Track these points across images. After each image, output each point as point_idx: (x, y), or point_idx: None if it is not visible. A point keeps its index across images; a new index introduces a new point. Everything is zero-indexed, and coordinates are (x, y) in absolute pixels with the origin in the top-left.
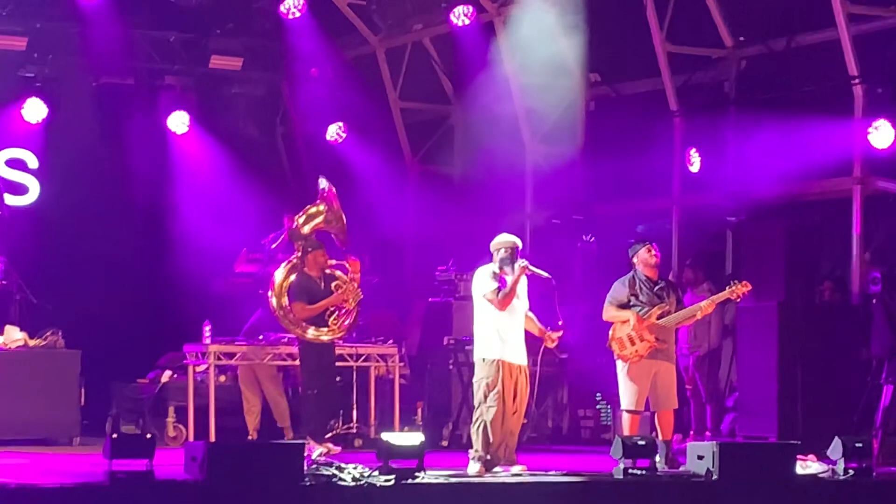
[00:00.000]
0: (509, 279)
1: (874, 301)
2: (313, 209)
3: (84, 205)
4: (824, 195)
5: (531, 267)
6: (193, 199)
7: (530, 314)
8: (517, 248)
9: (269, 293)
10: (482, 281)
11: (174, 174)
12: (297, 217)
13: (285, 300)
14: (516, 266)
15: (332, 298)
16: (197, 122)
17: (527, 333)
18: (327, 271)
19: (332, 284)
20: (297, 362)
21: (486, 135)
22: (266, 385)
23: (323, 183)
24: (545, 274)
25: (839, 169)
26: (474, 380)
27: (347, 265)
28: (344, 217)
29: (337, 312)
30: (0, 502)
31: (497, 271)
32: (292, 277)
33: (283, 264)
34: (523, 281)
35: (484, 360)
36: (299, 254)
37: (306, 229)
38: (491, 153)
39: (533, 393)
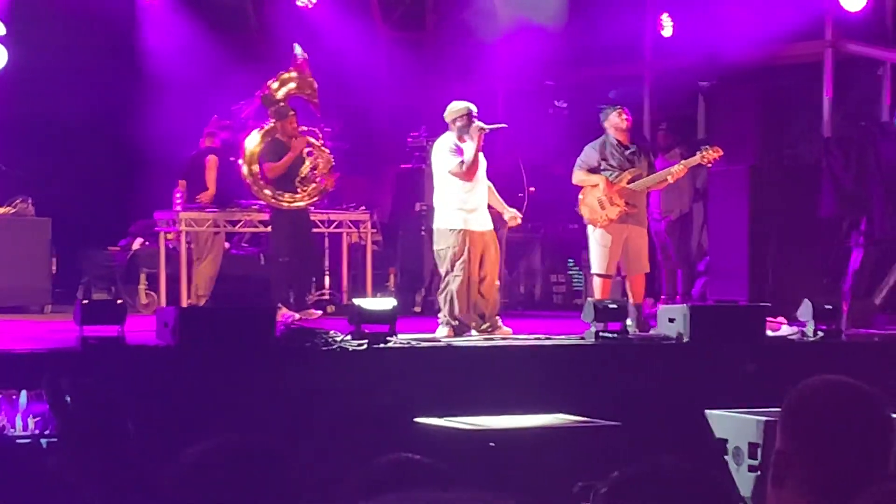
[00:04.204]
0: (470, 146)
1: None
2: (286, 75)
3: (53, 71)
4: (796, 59)
5: (486, 126)
6: (164, 65)
7: (489, 185)
8: (471, 113)
9: (240, 160)
10: (443, 156)
11: (145, 40)
12: (270, 83)
13: (256, 167)
14: (472, 130)
15: (293, 153)
16: None
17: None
18: (298, 137)
19: (305, 151)
20: (269, 229)
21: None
22: (216, 254)
23: (297, 50)
24: (501, 125)
25: (811, 32)
26: (437, 248)
27: (318, 132)
28: (315, 84)
29: (309, 178)
30: None
31: (456, 143)
32: (261, 146)
33: (255, 131)
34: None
35: (451, 230)
36: (272, 121)
37: (279, 95)
38: (463, 18)
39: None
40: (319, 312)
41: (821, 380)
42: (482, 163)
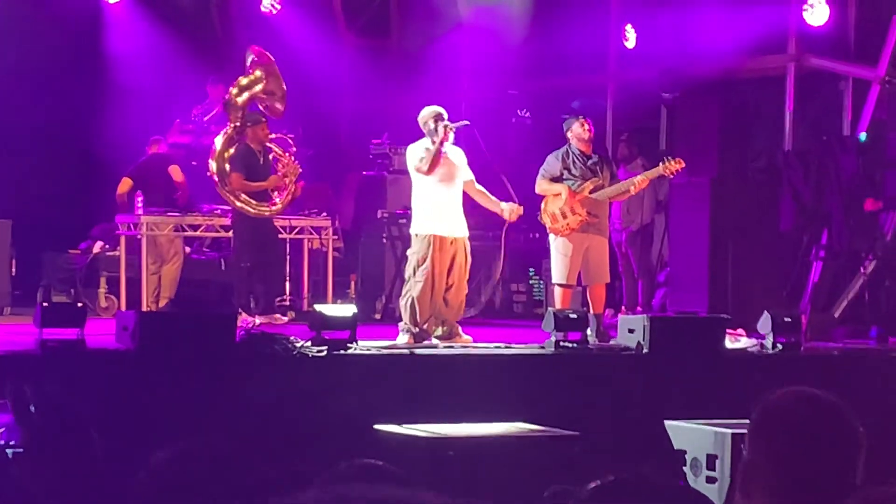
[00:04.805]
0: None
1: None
2: (248, 79)
3: (13, 72)
4: (759, 72)
5: (451, 124)
6: (127, 69)
7: (480, 188)
8: (440, 115)
9: (210, 160)
10: (411, 154)
11: (108, 44)
12: (231, 89)
13: (227, 166)
14: (438, 129)
15: (271, 181)
16: None
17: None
18: (267, 145)
19: (270, 156)
20: (230, 234)
21: (422, 8)
22: (180, 256)
23: (250, 57)
24: (464, 122)
25: (774, 46)
26: (408, 253)
27: (290, 139)
28: (284, 85)
29: (278, 190)
30: None
31: (430, 146)
32: (233, 148)
33: (222, 133)
34: (458, 152)
35: (417, 235)
36: (236, 125)
37: (241, 100)
38: (427, 27)
39: (502, 265)
40: (286, 318)
41: (790, 391)
42: (462, 171)
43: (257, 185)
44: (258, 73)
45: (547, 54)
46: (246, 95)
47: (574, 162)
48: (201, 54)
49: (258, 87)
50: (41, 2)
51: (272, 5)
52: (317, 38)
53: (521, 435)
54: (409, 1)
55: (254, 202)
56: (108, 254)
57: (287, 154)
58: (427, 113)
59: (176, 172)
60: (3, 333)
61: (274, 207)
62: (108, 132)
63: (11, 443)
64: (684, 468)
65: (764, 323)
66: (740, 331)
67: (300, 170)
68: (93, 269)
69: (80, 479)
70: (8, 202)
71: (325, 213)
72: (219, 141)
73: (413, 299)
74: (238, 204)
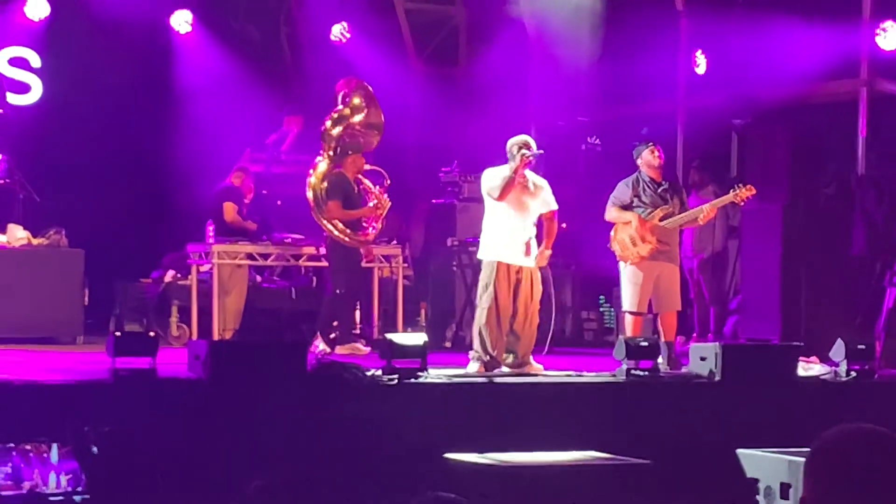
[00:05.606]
0: (510, 168)
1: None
2: (346, 109)
3: (86, 104)
4: (830, 97)
5: (527, 152)
6: (197, 98)
7: (552, 225)
8: (524, 143)
9: (307, 189)
10: (487, 178)
11: (177, 73)
12: (326, 121)
13: (322, 194)
14: (517, 156)
15: (367, 210)
16: (200, 21)
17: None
18: (359, 176)
19: (360, 188)
20: (299, 262)
21: (491, 35)
22: (241, 287)
23: (346, 88)
24: (538, 151)
25: (846, 71)
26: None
27: (383, 172)
28: (382, 115)
29: (368, 220)
30: (5, 399)
31: (507, 172)
32: (327, 179)
33: (322, 160)
34: (541, 183)
35: (483, 260)
36: (331, 153)
37: (335, 132)
38: (496, 54)
39: (549, 295)
40: (368, 349)
41: (846, 427)
42: (536, 199)
43: (355, 213)
44: (358, 99)
45: (617, 81)
46: (344, 124)
47: (644, 189)
48: (271, 84)
49: (357, 118)
50: (112, 33)
51: (342, 34)
52: (386, 67)
53: (593, 463)
54: (479, 28)
55: (349, 231)
56: (179, 283)
57: (377, 186)
58: (514, 139)
59: (227, 210)
60: (75, 362)
61: (367, 237)
62: (179, 162)
63: (79, 489)
64: (757, 497)
65: (837, 350)
66: (813, 358)
67: (390, 203)
68: (164, 299)
69: None
70: (80, 232)
71: (395, 242)
72: (315, 170)
73: (480, 326)
74: (335, 233)
